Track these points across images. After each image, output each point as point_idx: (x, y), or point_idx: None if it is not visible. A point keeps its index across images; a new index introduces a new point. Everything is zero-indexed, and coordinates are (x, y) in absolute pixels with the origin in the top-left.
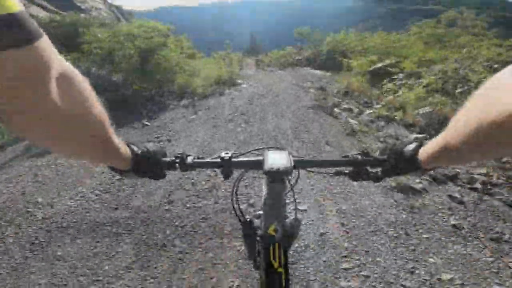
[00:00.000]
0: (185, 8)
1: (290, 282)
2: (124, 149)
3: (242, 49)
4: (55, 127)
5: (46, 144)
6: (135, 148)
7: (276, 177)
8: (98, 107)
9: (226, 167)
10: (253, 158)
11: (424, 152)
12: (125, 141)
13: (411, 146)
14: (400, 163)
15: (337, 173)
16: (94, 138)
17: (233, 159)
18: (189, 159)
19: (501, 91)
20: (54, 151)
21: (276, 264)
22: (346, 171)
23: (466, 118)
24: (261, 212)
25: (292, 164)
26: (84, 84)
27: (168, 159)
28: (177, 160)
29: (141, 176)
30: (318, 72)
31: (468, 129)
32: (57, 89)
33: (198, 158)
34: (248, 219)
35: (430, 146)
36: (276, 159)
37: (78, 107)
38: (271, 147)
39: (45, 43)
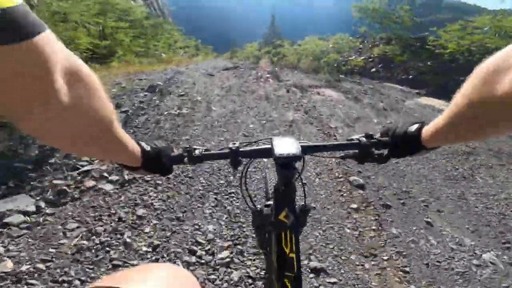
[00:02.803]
0: None
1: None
2: (134, 147)
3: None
4: (65, 125)
5: (56, 143)
6: (144, 146)
7: (286, 163)
8: (106, 103)
9: (234, 157)
10: (261, 147)
11: (427, 132)
12: (134, 139)
13: (414, 127)
14: (404, 144)
15: (344, 157)
16: (104, 136)
17: (241, 149)
18: (197, 152)
19: (503, 69)
20: (64, 149)
21: (287, 250)
22: (353, 154)
23: (467, 96)
24: (270, 202)
25: (300, 149)
26: (92, 78)
27: (176, 154)
28: (185, 154)
29: (151, 172)
30: None
31: (469, 106)
32: (65, 85)
33: (206, 150)
34: (259, 208)
35: (433, 126)
36: (284, 146)
37: (87, 103)
38: (277, 135)
39: (47, 38)
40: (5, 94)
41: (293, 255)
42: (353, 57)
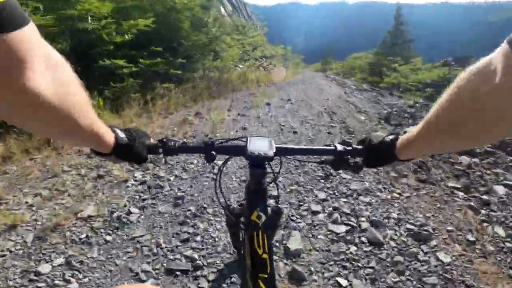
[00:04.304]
0: (300, 4)
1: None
2: (107, 133)
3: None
4: (40, 112)
5: (31, 128)
6: (119, 132)
7: (257, 162)
8: (81, 92)
9: (209, 152)
10: (235, 144)
11: (401, 144)
12: (109, 125)
13: (389, 137)
14: (378, 154)
15: (320, 162)
16: (76, 122)
17: (216, 145)
18: (172, 144)
19: (484, 78)
20: (38, 134)
21: (260, 251)
22: (329, 160)
23: (446, 106)
24: (244, 202)
25: (274, 150)
26: (68, 69)
27: (151, 143)
28: (160, 145)
29: (123, 160)
30: None
31: (447, 117)
32: (43, 76)
33: (183, 143)
34: (232, 207)
35: (408, 137)
36: (258, 145)
37: (62, 91)
38: (254, 135)
39: (29, 31)
40: None
41: (265, 256)
42: None
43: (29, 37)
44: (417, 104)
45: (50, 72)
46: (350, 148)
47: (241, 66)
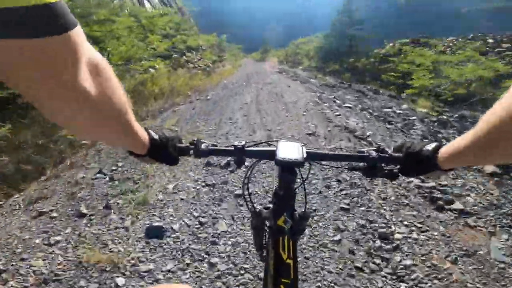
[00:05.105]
0: None
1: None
2: (142, 134)
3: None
4: (83, 111)
5: (74, 128)
6: (153, 134)
7: (287, 168)
8: (121, 93)
9: (239, 155)
10: (265, 148)
11: (445, 152)
12: (144, 127)
13: (431, 146)
14: (417, 162)
15: (351, 168)
16: (117, 122)
17: (246, 148)
18: (203, 146)
19: None
20: (78, 134)
21: (285, 256)
22: (361, 167)
23: (500, 114)
24: (270, 205)
25: (304, 156)
26: (110, 71)
27: (183, 145)
28: (192, 147)
29: (157, 161)
30: None
31: (502, 125)
32: (86, 76)
33: (213, 145)
34: (258, 210)
35: (452, 146)
36: (288, 150)
37: (105, 92)
38: (284, 139)
39: (77, 33)
40: (39, 80)
41: (290, 261)
42: None
43: (77, 39)
44: (443, 116)
45: (95, 73)
46: (386, 155)
47: (157, 66)
